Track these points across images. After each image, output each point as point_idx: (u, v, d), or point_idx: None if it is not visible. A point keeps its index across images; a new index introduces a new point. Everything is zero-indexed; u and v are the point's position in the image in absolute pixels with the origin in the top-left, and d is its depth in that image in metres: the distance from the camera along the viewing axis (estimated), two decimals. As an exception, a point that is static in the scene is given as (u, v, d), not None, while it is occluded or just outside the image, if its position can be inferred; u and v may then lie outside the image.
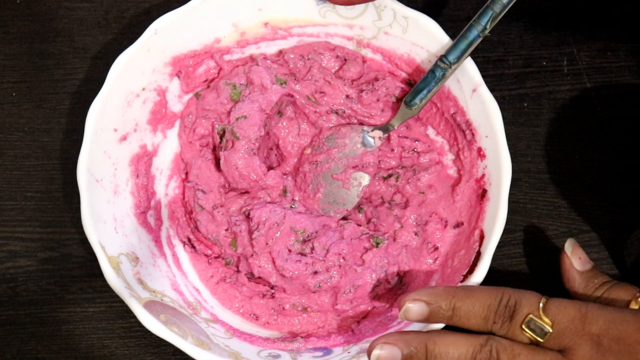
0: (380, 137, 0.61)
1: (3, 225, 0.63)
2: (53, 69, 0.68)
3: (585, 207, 0.62)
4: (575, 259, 0.54)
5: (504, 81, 0.67)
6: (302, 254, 0.57)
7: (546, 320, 0.47)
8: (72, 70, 0.68)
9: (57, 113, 0.66)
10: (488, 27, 0.55)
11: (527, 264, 0.61)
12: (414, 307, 0.48)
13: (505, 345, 0.48)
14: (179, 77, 0.62)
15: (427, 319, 0.49)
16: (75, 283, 0.61)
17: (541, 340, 0.47)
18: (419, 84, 0.58)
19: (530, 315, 0.47)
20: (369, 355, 0.48)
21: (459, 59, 0.56)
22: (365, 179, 0.61)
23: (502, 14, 0.55)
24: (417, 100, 0.58)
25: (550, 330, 0.47)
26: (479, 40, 0.55)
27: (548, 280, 0.60)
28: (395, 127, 0.60)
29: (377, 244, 0.58)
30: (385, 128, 0.61)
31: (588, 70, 0.67)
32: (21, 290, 0.61)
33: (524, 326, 0.47)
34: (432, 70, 0.57)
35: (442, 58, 0.56)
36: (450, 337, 0.48)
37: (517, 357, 0.47)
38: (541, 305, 0.47)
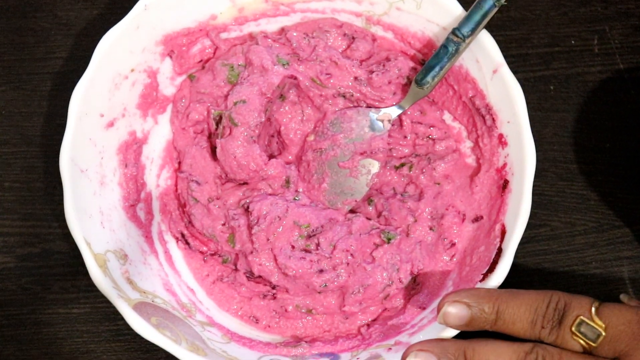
0: (389, 120, 0.61)
1: (-21, 218, 0.63)
2: (33, 47, 0.68)
3: (618, 200, 0.62)
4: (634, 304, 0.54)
5: (528, 62, 0.67)
6: (307, 251, 0.57)
7: (599, 322, 0.46)
8: (54, 48, 0.68)
9: (37, 95, 0.66)
10: None
11: (553, 263, 0.61)
12: (454, 310, 0.48)
13: (553, 353, 0.47)
14: (171, 57, 0.62)
15: (469, 324, 0.48)
16: (57, 282, 0.61)
17: (594, 344, 0.47)
18: (431, 60, 0.58)
19: (581, 317, 0.47)
20: None
21: (473, 31, 0.55)
22: (374, 166, 0.61)
23: None
24: (428, 79, 0.58)
25: (604, 334, 0.46)
26: (495, 10, 0.55)
27: (576, 282, 0.60)
28: (406, 109, 0.60)
29: (389, 239, 0.58)
30: (394, 110, 0.61)
31: (621, 49, 0.67)
32: (-1, 290, 0.61)
33: (574, 329, 0.47)
34: (445, 45, 0.57)
35: (455, 31, 0.56)
36: (491, 344, 0.47)
37: None
38: (593, 308, 0.47)
